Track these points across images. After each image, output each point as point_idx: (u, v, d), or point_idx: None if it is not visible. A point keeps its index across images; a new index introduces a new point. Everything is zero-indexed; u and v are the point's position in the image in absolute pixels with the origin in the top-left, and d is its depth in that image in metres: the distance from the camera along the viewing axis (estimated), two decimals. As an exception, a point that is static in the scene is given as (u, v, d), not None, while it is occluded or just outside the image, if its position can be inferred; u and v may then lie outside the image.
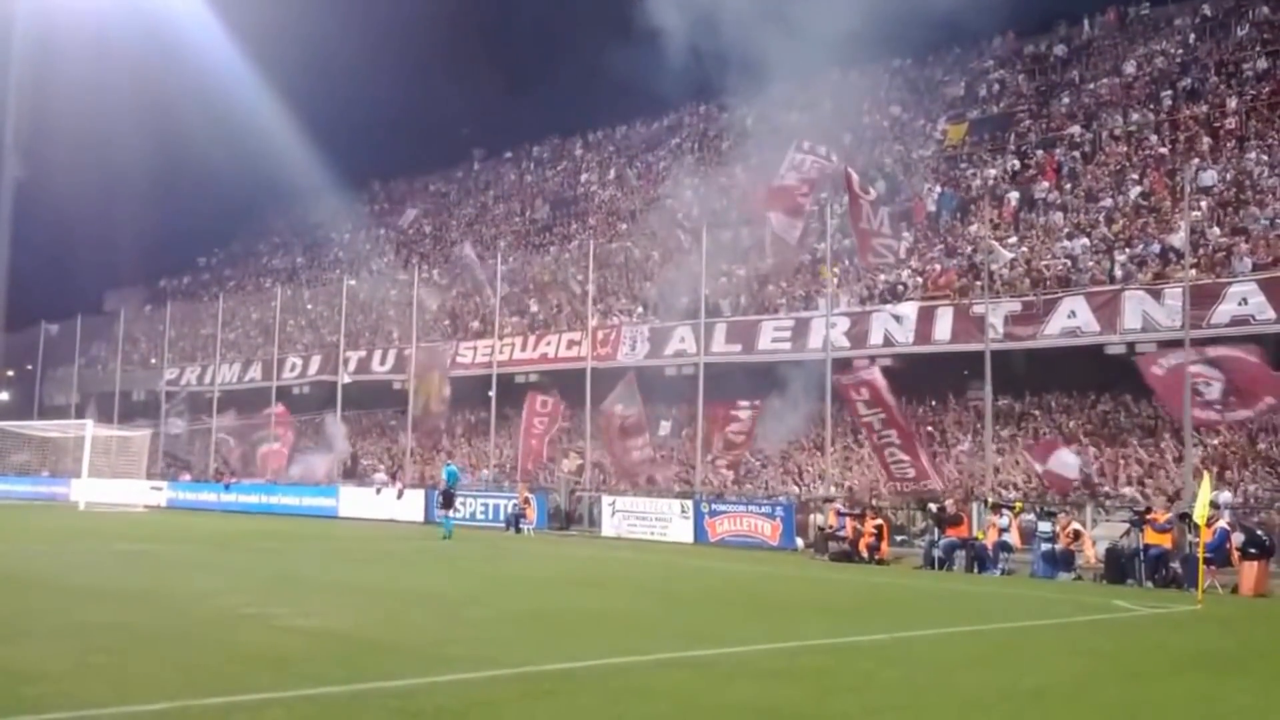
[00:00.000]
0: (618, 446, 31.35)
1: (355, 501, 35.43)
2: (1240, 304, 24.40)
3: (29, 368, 55.47)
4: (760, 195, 34.41)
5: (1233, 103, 32.71)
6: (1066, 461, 24.38)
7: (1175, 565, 18.02)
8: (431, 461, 39.26)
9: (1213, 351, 22.58)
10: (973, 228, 32.51)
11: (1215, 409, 22.42)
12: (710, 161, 46.61)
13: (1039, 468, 24.92)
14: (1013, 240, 31.35)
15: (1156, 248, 27.77)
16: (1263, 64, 33.81)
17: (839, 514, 22.54)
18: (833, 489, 26.98)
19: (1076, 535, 19.58)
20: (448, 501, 27.12)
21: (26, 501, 42.51)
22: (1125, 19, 41.33)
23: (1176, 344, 23.43)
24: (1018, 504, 22.10)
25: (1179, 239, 26.40)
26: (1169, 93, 34.96)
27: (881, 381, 25.64)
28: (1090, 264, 28.45)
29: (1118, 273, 27.53)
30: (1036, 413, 29.56)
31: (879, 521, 22.15)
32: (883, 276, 32.31)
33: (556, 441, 35.48)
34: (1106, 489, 24.70)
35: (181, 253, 70.57)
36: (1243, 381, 21.88)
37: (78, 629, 9.89)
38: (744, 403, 28.97)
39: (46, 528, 27.24)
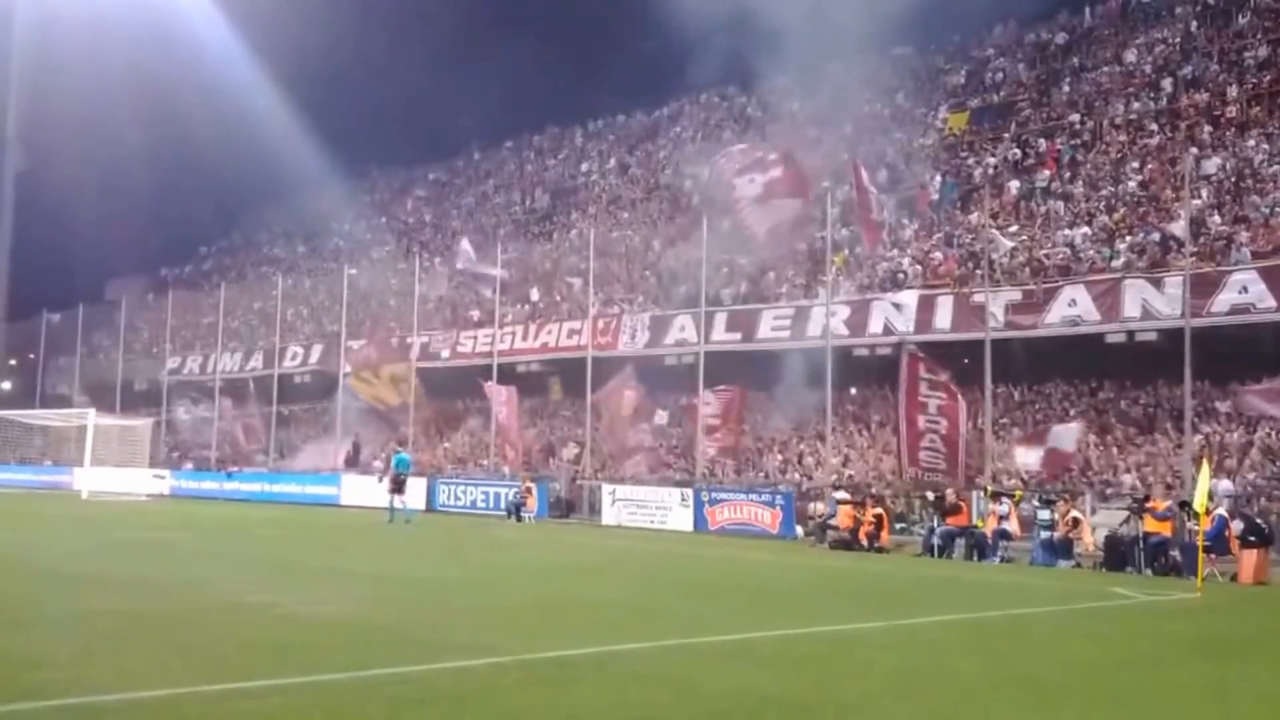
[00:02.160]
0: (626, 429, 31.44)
1: (357, 489, 35.50)
2: (1240, 292, 24.41)
3: (31, 357, 55.56)
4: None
5: (1233, 91, 32.65)
6: (1061, 436, 24.29)
7: (1174, 553, 18.07)
8: (430, 451, 39.30)
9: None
10: (973, 216, 32.49)
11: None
12: (712, 151, 46.47)
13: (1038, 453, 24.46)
14: (1013, 229, 31.33)
15: (1157, 236, 27.75)
16: (1263, 52, 33.74)
17: (831, 502, 22.75)
18: (833, 477, 27.01)
19: (1076, 523, 19.63)
20: (398, 487, 27.24)
21: (30, 490, 42.59)
22: (1126, 7, 41.22)
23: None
24: (1017, 492, 22.16)
25: (1179, 227, 26.38)
26: (1170, 81, 34.88)
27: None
28: (1091, 253, 28.43)
29: (1116, 262, 27.51)
30: (1037, 401, 29.58)
31: (879, 510, 22.23)
32: (883, 265, 32.28)
33: (554, 430, 35.44)
34: (1106, 477, 24.74)
35: (183, 242, 70.68)
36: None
37: (82, 616, 9.94)
38: (720, 387, 29.18)
39: (50, 516, 27.31)
